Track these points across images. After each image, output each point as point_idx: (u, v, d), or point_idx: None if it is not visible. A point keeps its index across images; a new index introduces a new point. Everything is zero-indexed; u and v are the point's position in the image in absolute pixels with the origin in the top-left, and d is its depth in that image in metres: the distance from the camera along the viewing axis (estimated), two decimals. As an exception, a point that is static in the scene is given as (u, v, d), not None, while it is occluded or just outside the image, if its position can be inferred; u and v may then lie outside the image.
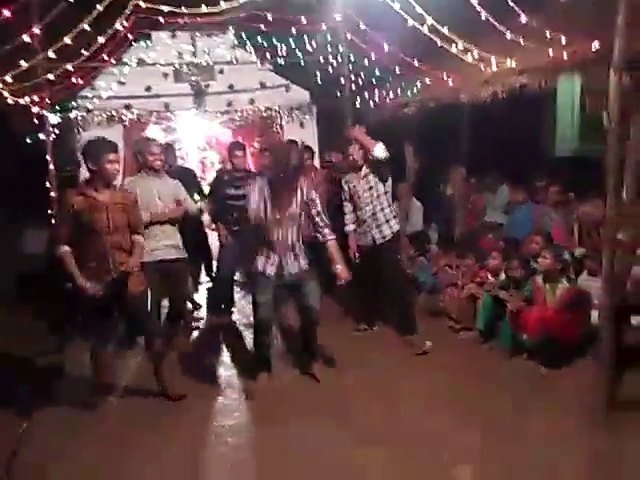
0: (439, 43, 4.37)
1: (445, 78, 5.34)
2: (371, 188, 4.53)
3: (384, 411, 3.59)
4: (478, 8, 3.84)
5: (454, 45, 4.40)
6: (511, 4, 3.66)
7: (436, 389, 3.87)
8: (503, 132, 6.50)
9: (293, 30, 5.97)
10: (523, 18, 3.82)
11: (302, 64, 7.21)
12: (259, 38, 6.75)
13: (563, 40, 3.88)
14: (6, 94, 3.47)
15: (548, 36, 3.93)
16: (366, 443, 3.22)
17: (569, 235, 5.13)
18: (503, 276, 4.64)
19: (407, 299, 4.75)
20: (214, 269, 5.78)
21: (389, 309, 4.86)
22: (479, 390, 3.83)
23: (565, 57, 3.87)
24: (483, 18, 3.92)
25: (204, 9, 4.28)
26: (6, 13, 2.94)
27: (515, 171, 6.32)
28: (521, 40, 4.06)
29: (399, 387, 3.92)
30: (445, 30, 4.28)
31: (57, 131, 5.68)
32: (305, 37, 6.65)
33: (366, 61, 6.07)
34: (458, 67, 5.01)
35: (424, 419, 3.47)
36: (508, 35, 4.04)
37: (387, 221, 4.56)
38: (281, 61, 7.08)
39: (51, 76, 4.26)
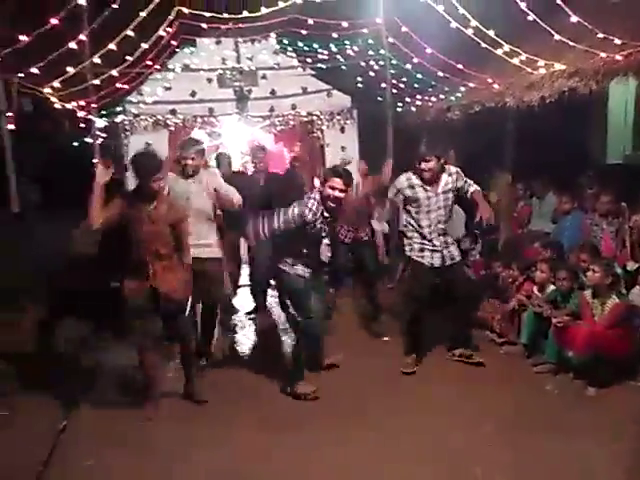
0: (483, 45, 4.25)
1: (490, 82, 5.19)
2: (446, 207, 4.16)
3: (418, 424, 3.49)
4: (525, 9, 3.69)
5: (499, 48, 4.26)
6: (560, 3, 3.49)
7: (474, 404, 3.72)
8: (551, 137, 6.27)
9: (334, 34, 5.94)
10: (574, 18, 3.64)
11: (343, 69, 7.19)
12: (300, 43, 6.76)
13: (617, 41, 3.67)
14: (54, 99, 3.58)
15: (600, 37, 3.73)
16: (401, 454, 3.16)
17: (620, 247, 4.87)
18: (550, 288, 4.43)
19: (471, 316, 4.61)
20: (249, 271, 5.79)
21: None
22: (520, 408, 3.66)
23: (618, 59, 3.67)
24: (530, 19, 3.76)
25: (245, 14, 4.31)
26: (54, 21, 3.02)
27: (563, 178, 6.08)
28: (571, 42, 3.88)
29: (435, 401, 3.80)
30: (491, 32, 4.15)
31: (104, 135, 5.85)
32: (346, 41, 6.61)
33: (408, 65, 5.98)
34: (504, 70, 4.86)
35: (458, 434, 3.34)
36: (557, 37, 3.87)
37: (454, 243, 4.30)
38: (322, 66, 7.08)
39: (97, 81, 4.40)
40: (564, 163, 6.22)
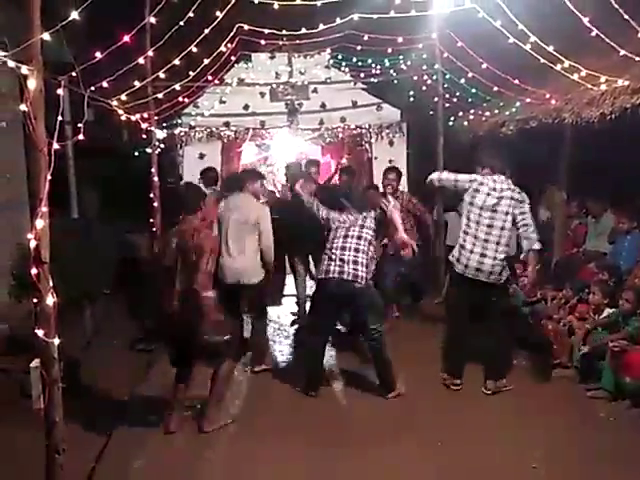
0: (542, 61, 4.17)
1: (547, 97, 5.08)
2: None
3: (464, 448, 3.42)
4: (588, 24, 3.60)
5: (559, 63, 4.17)
6: (627, 18, 3.40)
7: (520, 431, 3.61)
8: (610, 155, 6.07)
9: (389, 50, 5.97)
10: (640, 34, 3.53)
11: (395, 83, 7.20)
12: (354, 58, 6.83)
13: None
14: (120, 112, 3.76)
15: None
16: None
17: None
18: (606, 312, 4.27)
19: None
20: None
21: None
22: (571, 437, 3.52)
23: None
24: (593, 35, 3.67)
25: (303, 30, 4.40)
26: (126, 39, 3.17)
27: (622, 196, 5.86)
28: (637, 57, 3.75)
29: (478, 427, 3.71)
30: (550, 48, 4.07)
31: (162, 146, 6.07)
32: (400, 56, 6.63)
33: (462, 79, 5.94)
34: (562, 86, 4.75)
35: (505, 464, 3.25)
36: (622, 52, 3.75)
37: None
38: (374, 80, 7.12)
39: (160, 95, 4.60)
40: (622, 182, 6.00)
